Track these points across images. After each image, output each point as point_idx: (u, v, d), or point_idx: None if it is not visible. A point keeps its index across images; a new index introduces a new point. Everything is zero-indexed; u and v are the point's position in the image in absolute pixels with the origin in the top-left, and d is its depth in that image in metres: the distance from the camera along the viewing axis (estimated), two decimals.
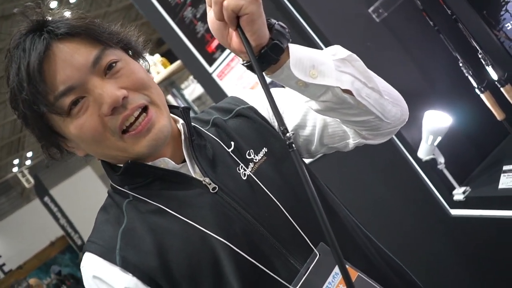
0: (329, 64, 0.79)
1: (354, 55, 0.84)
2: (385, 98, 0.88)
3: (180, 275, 0.79)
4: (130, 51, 0.91)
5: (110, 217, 0.88)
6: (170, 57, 3.22)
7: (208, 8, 0.75)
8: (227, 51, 2.18)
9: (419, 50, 1.87)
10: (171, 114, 0.96)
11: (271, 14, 1.83)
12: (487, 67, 1.59)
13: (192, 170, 0.89)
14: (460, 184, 1.81)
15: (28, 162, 15.59)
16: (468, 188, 1.78)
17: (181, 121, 0.94)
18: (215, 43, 2.22)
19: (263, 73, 0.76)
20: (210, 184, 0.87)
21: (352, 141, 0.96)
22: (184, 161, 0.91)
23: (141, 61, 0.94)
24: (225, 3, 0.69)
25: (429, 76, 1.87)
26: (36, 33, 0.80)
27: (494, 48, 1.68)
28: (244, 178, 0.90)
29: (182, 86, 4.86)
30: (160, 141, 0.84)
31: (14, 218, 14.24)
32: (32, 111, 0.80)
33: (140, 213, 0.86)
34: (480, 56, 1.60)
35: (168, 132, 0.86)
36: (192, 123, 0.96)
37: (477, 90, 1.65)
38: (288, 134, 0.66)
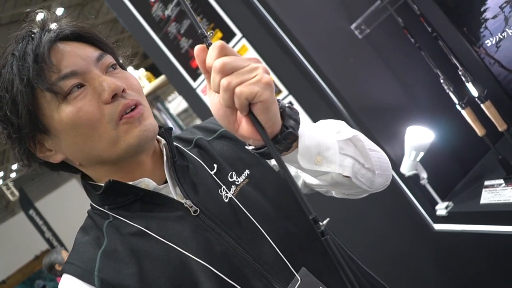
0: (334, 148, 0.79)
1: (358, 135, 0.86)
2: (377, 174, 0.89)
3: None
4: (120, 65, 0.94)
5: (90, 238, 0.86)
6: (155, 71, 3.22)
7: (210, 92, 0.70)
8: None
9: (401, 67, 1.89)
10: None
11: (253, 28, 1.85)
12: (467, 84, 1.61)
13: (174, 192, 0.88)
14: (443, 199, 1.83)
15: (13, 175, 15.40)
16: (450, 203, 1.79)
17: (163, 141, 0.94)
18: None
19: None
20: (191, 207, 0.86)
21: (335, 194, 0.98)
22: (166, 182, 0.90)
23: None
24: (237, 90, 0.64)
25: (411, 92, 1.89)
26: (47, 29, 0.84)
27: (474, 64, 1.71)
28: (226, 201, 0.89)
29: (169, 98, 4.85)
30: (149, 134, 0.84)
31: None
32: (28, 89, 0.79)
33: (121, 234, 0.85)
34: (460, 72, 1.62)
35: (155, 131, 0.86)
36: (174, 143, 0.95)
37: (458, 106, 1.66)
38: (320, 223, 0.64)
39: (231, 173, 0.94)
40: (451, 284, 1.95)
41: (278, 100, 0.73)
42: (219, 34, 1.98)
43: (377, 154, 0.91)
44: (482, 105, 1.61)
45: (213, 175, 0.93)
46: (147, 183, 0.87)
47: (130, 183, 0.86)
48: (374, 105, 1.82)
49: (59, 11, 11.42)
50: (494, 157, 1.65)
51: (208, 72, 0.68)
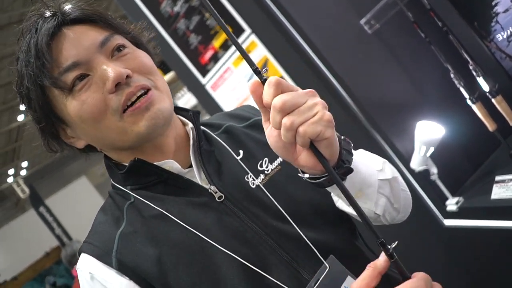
0: (374, 186, 0.82)
1: (397, 177, 0.88)
2: (400, 213, 0.92)
3: (179, 285, 0.78)
4: (138, 45, 0.91)
5: (109, 218, 0.86)
6: (164, 67, 3.22)
7: (267, 124, 0.71)
8: (220, 62, 2.19)
9: (411, 62, 1.88)
10: (180, 117, 0.95)
11: (262, 23, 1.85)
12: (478, 78, 1.61)
13: (198, 177, 0.87)
14: (453, 195, 1.82)
15: (23, 172, 15.50)
16: (461, 198, 1.78)
17: (190, 124, 0.92)
18: (208, 55, 2.22)
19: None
20: (216, 192, 0.85)
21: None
22: (191, 166, 0.89)
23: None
24: (300, 130, 0.64)
25: (421, 87, 1.88)
26: (50, 16, 0.82)
27: (485, 59, 1.70)
28: (253, 187, 0.88)
29: (178, 95, 4.87)
30: (159, 121, 0.81)
31: (9, 228, 14.13)
32: (36, 86, 0.80)
33: (141, 216, 0.84)
34: (471, 67, 1.61)
35: (169, 115, 0.84)
36: (202, 127, 0.95)
37: (468, 101, 1.66)
38: (388, 246, 0.65)
39: (261, 161, 0.93)
40: (462, 280, 1.94)
41: None
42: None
43: (405, 194, 0.94)
44: (493, 100, 1.60)
45: (240, 161, 0.92)
46: (172, 165, 0.86)
47: (155, 163, 0.85)
48: (384, 100, 1.82)
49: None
50: (505, 152, 1.64)
51: (264, 107, 0.68)
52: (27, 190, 12.50)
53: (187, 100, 4.10)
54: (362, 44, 1.84)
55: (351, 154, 0.75)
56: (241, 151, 0.93)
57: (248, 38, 1.97)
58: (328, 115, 0.66)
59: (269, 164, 0.92)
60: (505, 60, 1.64)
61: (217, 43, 2.16)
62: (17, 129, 12.96)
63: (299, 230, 0.85)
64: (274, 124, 0.66)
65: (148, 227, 0.83)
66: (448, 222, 1.83)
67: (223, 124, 0.99)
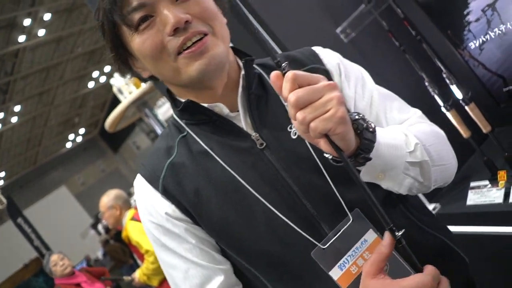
0: (399, 167, 0.83)
1: (428, 160, 0.88)
2: (432, 186, 0.92)
3: (210, 218, 0.88)
4: None
5: (164, 146, 0.96)
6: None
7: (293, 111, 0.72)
8: None
9: (386, 70, 1.90)
10: (238, 59, 0.98)
11: (237, 32, 1.85)
12: (451, 86, 1.63)
13: (244, 122, 0.91)
14: (430, 201, 1.84)
15: (0, 183, 15.25)
16: (437, 205, 1.80)
17: (243, 71, 0.94)
18: None
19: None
20: (258, 140, 0.89)
21: None
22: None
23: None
24: (312, 125, 0.68)
25: (396, 94, 1.90)
26: None
27: (458, 67, 1.73)
28: (294, 137, 0.90)
29: (158, 103, 4.84)
30: (211, 66, 0.85)
31: None
32: (108, 21, 0.86)
33: (189, 150, 0.92)
34: (444, 75, 1.63)
35: (222, 61, 0.87)
36: (258, 69, 0.98)
37: (443, 109, 1.68)
38: (397, 233, 0.71)
39: None
40: None
41: (357, 118, 0.77)
42: None
43: (442, 168, 0.93)
44: (466, 107, 1.63)
45: (287, 108, 0.93)
46: (221, 108, 0.90)
47: (205, 105, 0.90)
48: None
49: (47, 16, 11.37)
50: (479, 158, 1.66)
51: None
52: (4, 200, 12.27)
53: (167, 109, 4.08)
54: (338, 52, 1.85)
55: (373, 142, 0.78)
56: None
57: None
58: (341, 111, 0.68)
59: None
60: (478, 68, 1.67)
61: None
62: None
63: (332, 185, 0.87)
64: (291, 116, 0.71)
65: (193, 161, 0.91)
66: None
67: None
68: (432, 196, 1.87)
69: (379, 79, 1.89)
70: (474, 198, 1.66)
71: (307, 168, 0.89)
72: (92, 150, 18.10)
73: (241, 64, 0.96)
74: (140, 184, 0.95)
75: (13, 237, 12.18)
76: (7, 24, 10.47)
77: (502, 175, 1.59)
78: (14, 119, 13.11)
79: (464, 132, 1.68)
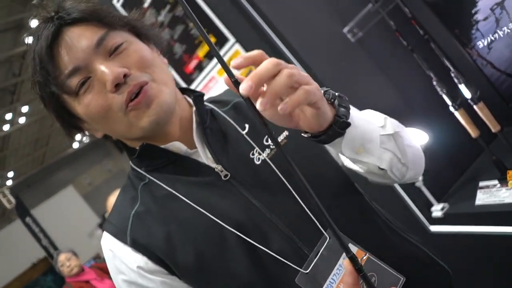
0: (375, 141, 0.83)
1: (401, 131, 0.88)
2: (409, 169, 0.90)
3: (185, 261, 0.83)
4: (139, 34, 0.91)
5: (126, 198, 0.92)
6: None
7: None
8: (205, 72, 2.19)
9: (394, 70, 1.90)
10: (187, 97, 0.98)
11: (246, 33, 1.85)
12: (460, 85, 1.62)
13: (204, 156, 0.90)
14: (439, 201, 1.83)
15: (9, 182, 15.32)
16: (446, 204, 1.79)
17: (194, 107, 0.94)
18: (193, 64, 2.22)
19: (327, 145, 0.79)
20: (222, 171, 0.87)
21: (369, 180, 0.99)
22: None
23: (151, 45, 0.93)
24: (296, 94, 0.65)
25: (404, 94, 1.89)
26: (49, 22, 0.84)
27: (466, 66, 1.71)
28: (258, 163, 0.90)
29: None
30: (161, 116, 0.84)
31: None
32: (46, 93, 0.84)
33: (153, 196, 0.89)
34: (453, 74, 1.62)
35: (170, 106, 0.86)
36: (209, 105, 0.98)
37: (451, 108, 1.67)
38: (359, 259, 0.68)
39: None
40: None
41: (326, 90, 0.77)
42: (212, 40, 1.98)
43: (413, 150, 0.93)
44: (475, 107, 1.62)
45: (245, 136, 0.93)
46: (178, 146, 0.89)
47: (162, 146, 0.89)
48: (367, 108, 1.83)
49: (34, 23, 11.38)
50: (488, 158, 1.65)
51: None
52: (13, 200, 12.35)
53: None
54: (345, 52, 1.85)
55: (348, 110, 0.77)
56: (246, 125, 0.95)
57: (232, 48, 1.97)
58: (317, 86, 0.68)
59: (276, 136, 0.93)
60: (486, 67, 1.66)
61: (201, 52, 2.16)
62: (3, 138, 12.83)
63: (302, 204, 0.87)
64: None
65: (159, 206, 0.88)
66: (434, 228, 1.84)
67: (232, 100, 1.01)
68: (441, 195, 1.86)
69: (387, 79, 1.89)
70: (483, 198, 1.65)
71: (277, 192, 0.87)
72: (98, 150, 18.15)
73: (191, 101, 0.95)
74: (107, 241, 0.90)
75: (21, 237, 12.24)
76: (14, 25, 10.51)
77: (511, 174, 1.59)
78: (22, 120, 13.17)
79: (472, 132, 1.67)
